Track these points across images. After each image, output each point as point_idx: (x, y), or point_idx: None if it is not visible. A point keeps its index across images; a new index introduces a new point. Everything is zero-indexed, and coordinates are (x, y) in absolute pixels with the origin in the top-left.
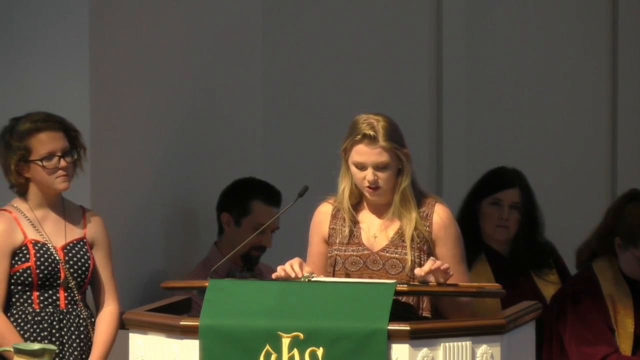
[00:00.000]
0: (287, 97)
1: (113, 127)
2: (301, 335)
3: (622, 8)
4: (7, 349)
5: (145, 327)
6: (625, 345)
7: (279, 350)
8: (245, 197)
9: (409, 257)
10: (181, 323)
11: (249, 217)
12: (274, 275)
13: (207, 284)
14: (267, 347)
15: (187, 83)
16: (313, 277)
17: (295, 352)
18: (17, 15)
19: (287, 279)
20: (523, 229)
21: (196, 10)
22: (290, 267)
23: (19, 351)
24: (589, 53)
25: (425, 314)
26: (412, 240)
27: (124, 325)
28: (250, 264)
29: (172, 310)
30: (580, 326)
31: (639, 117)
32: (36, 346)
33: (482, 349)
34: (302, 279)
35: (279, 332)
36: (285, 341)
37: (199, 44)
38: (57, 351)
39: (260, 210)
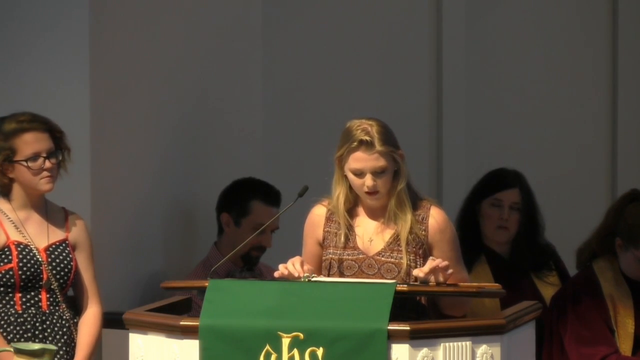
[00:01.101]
0: (287, 97)
1: (113, 127)
2: (301, 335)
3: (622, 8)
4: (7, 349)
5: (145, 327)
6: (625, 346)
7: (279, 351)
8: (245, 197)
9: (404, 261)
10: (181, 323)
11: (248, 217)
12: (276, 274)
13: (207, 284)
14: (267, 347)
15: (187, 83)
16: (313, 277)
17: (295, 352)
18: (17, 15)
19: (288, 277)
20: (523, 230)
21: (196, 10)
22: (292, 265)
23: (19, 351)
24: (589, 53)
25: None
26: (408, 244)
27: (124, 325)
28: (250, 264)
29: (172, 310)
30: (580, 326)
31: (639, 117)
32: (36, 346)
33: (482, 349)
34: (303, 279)
35: (279, 332)
36: (285, 341)
37: (199, 44)
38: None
39: (260, 210)
